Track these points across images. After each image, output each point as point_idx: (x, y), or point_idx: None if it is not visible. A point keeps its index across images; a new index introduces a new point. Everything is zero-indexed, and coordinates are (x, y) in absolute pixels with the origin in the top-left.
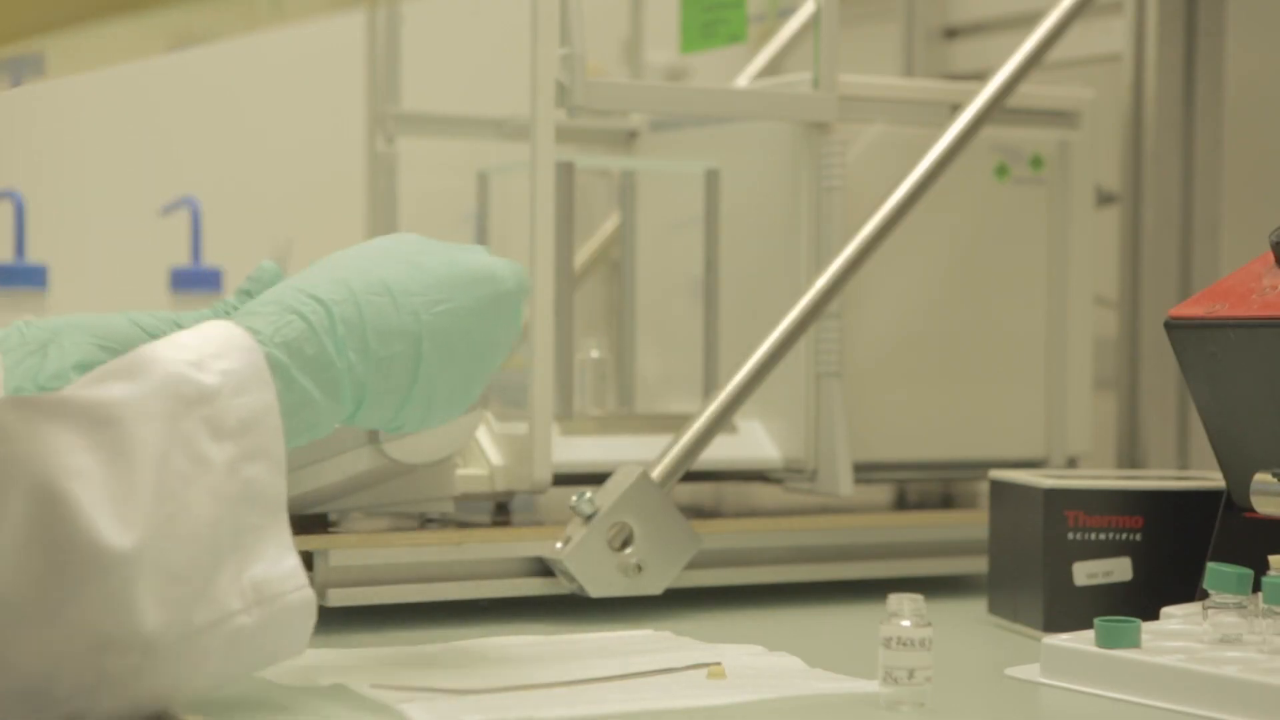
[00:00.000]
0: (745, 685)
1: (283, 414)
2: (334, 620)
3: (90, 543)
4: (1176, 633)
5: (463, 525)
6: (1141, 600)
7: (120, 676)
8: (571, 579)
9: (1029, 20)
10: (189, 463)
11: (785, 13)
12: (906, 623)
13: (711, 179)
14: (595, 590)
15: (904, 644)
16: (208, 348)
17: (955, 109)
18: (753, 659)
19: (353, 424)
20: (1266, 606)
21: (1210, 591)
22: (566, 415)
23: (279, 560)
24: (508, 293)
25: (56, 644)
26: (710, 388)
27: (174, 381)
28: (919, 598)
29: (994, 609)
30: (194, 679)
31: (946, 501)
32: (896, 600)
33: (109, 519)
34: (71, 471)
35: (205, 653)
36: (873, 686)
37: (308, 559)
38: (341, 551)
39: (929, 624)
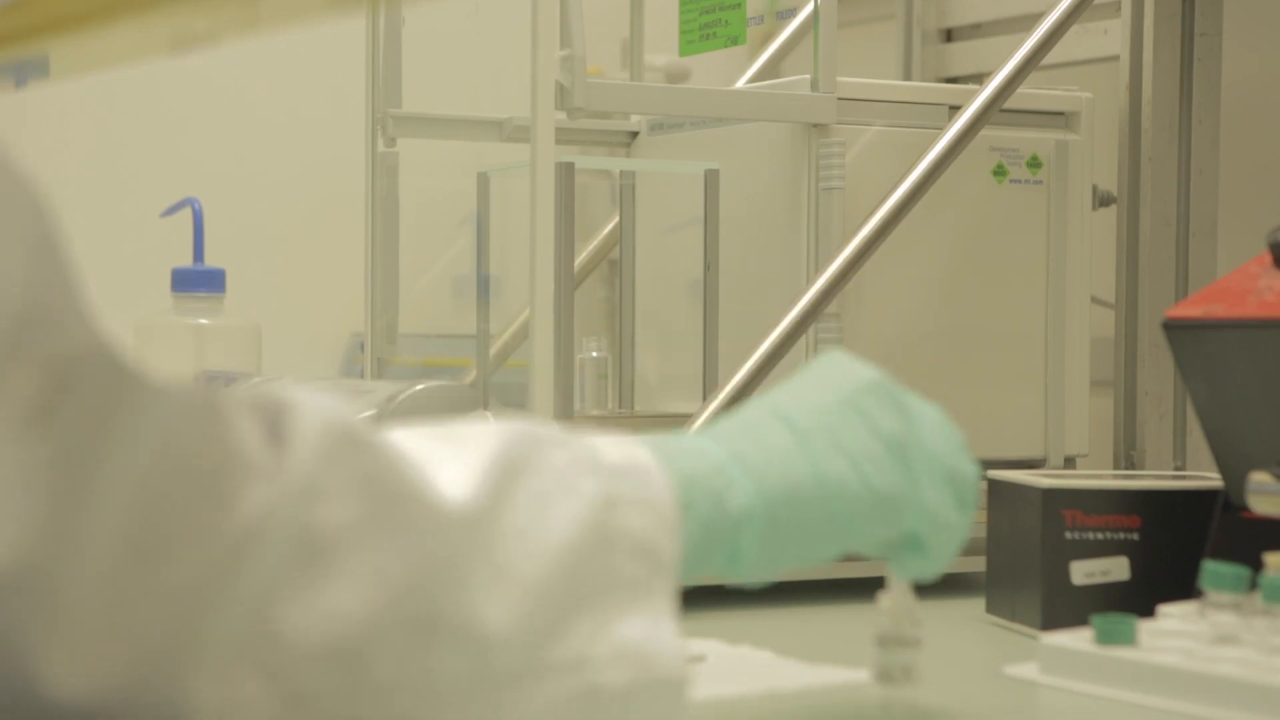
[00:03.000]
0: (730, 678)
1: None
2: None
3: (421, 492)
4: (1174, 631)
5: None
6: (1139, 599)
7: (447, 683)
8: None
9: (1027, 22)
10: (554, 485)
11: (784, 15)
12: (898, 620)
13: (711, 180)
14: None
15: (895, 642)
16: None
17: (953, 110)
18: (722, 649)
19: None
20: (1263, 605)
21: (1207, 590)
22: (566, 415)
23: (656, 625)
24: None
25: (372, 607)
26: (710, 388)
27: (532, 429)
28: (911, 595)
29: (992, 608)
30: None
31: None
32: (889, 599)
33: (449, 478)
34: (409, 443)
35: (553, 701)
36: (850, 675)
37: None
38: None
39: (921, 621)
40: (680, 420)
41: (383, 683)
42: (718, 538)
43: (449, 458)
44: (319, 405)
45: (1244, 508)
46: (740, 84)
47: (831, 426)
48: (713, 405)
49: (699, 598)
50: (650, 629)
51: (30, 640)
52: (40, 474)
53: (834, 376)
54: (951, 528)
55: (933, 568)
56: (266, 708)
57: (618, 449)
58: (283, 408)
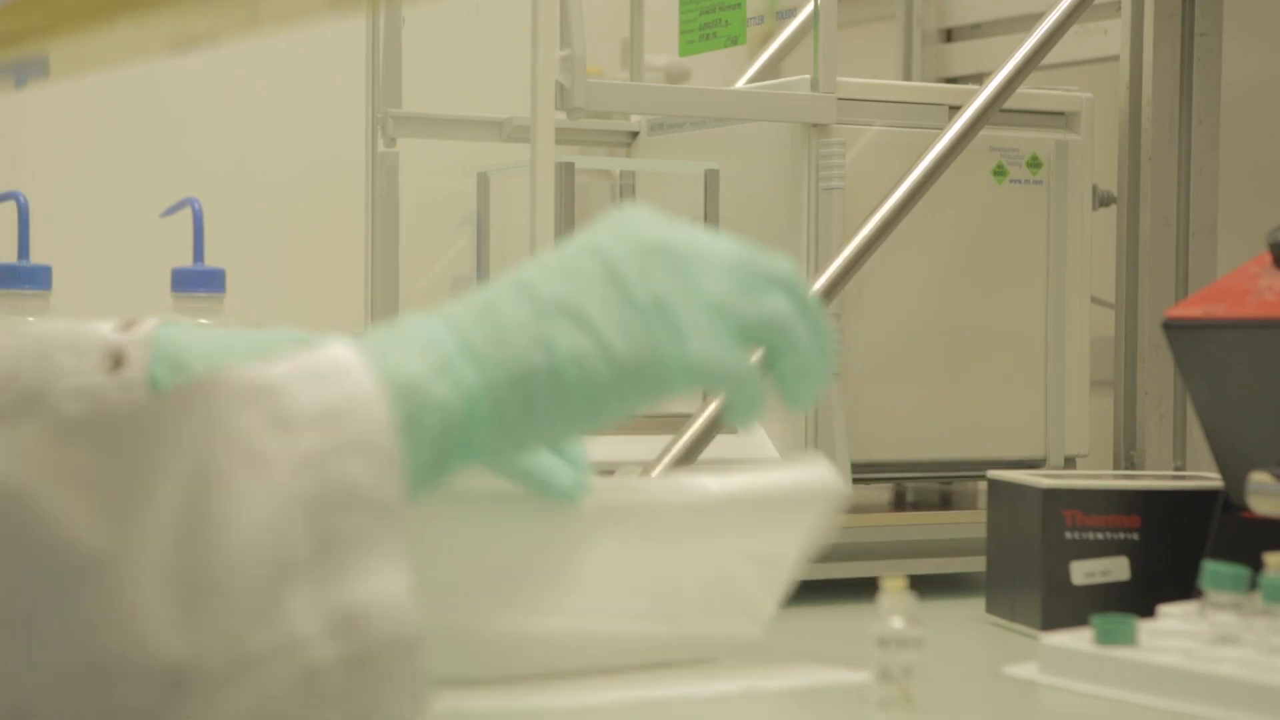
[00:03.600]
0: (736, 674)
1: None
2: None
3: (64, 545)
4: (1174, 631)
5: None
6: (1139, 599)
7: (137, 712)
8: None
9: (1027, 22)
10: (238, 461)
11: (784, 15)
12: (898, 621)
13: (711, 180)
14: None
15: (895, 642)
16: (280, 355)
17: (953, 110)
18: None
19: (499, 425)
20: (1263, 605)
21: (1207, 590)
22: None
23: (378, 581)
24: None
25: (31, 671)
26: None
27: (224, 380)
28: (910, 594)
29: (992, 608)
30: None
31: (945, 501)
32: (888, 598)
33: (92, 520)
34: (52, 477)
35: (265, 692)
36: (832, 674)
37: None
38: None
39: (921, 621)
40: (680, 420)
41: None
42: (449, 441)
43: (101, 483)
44: None
45: (1244, 508)
46: (740, 84)
47: (573, 297)
48: (713, 405)
49: None
50: (373, 587)
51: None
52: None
53: (603, 237)
54: (738, 377)
55: (739, 419)
56: None
57: (319, 391)
58: None
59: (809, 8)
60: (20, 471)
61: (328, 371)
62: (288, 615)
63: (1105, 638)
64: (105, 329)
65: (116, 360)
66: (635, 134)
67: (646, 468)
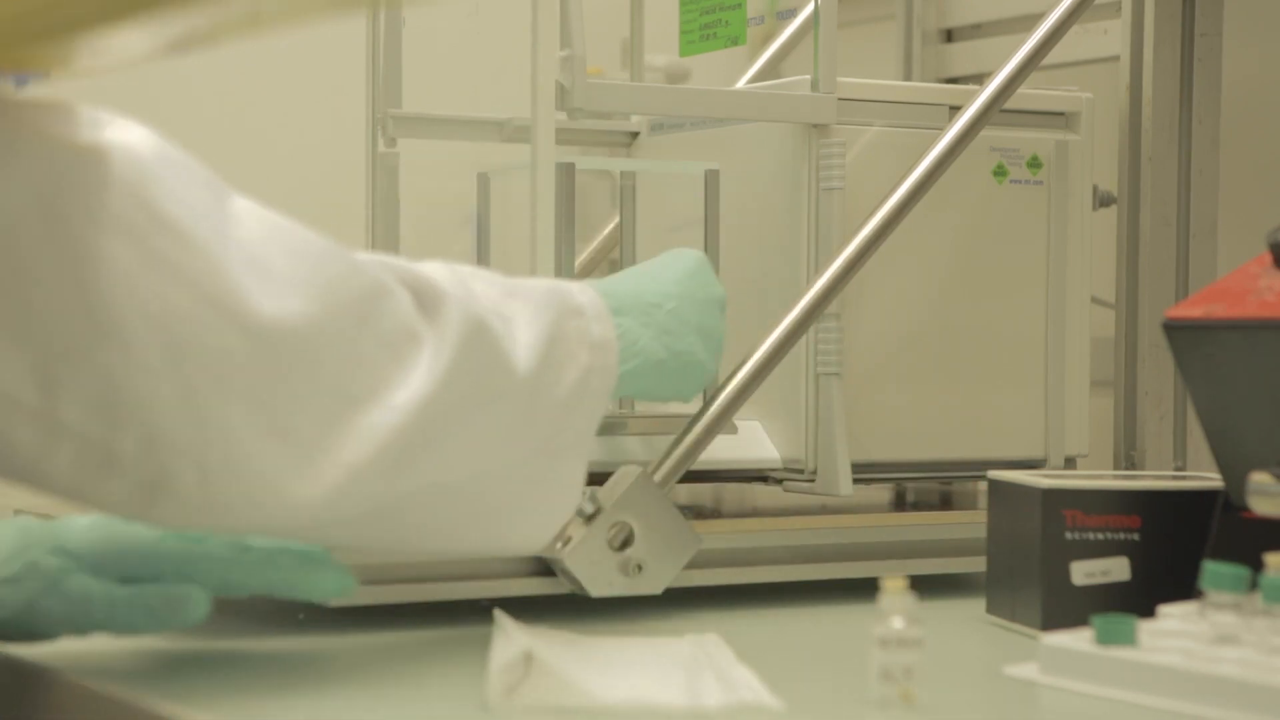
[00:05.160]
0: (734, 684)
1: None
2: (334, 620)
3: (507, 364)
4: (1174, 631)
5: None
6: (1139, 600)
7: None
8: (572, 579)
9: (1027, 22)
10: (566, 353)
11: (784, 15)
12: (898, 621)
13: (711, 180)
14: (595, 590)
15: (895, 642)
16: (567, 284)
17: (954, 110)
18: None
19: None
20: (1263, 605)
21: (1207, 590)
22: None
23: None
24: (698, 255)
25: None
26: (710, 388)
27: (559, 291)
28: (910, 594)
29: (992, 608)
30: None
31: (945, 501)
32: (888, 598)
33: (522, 352)
34: (495, 311)
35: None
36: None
37: None
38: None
39: (921, 621)
40: (680, 421)
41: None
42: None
43: (519, 327)
44: (454, 292)
45: (1244, 508)
46: (740, 84)
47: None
48: (713, 405)
49: (697, 598)
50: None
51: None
52: None
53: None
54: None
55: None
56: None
57: (600, 326)
58: (434, 293)
59: (809, 8)
60: None
61: (602, 312)
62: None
63: (1105, 638)
64: None
65: None
66: (635, 134)
67: (646, 467)
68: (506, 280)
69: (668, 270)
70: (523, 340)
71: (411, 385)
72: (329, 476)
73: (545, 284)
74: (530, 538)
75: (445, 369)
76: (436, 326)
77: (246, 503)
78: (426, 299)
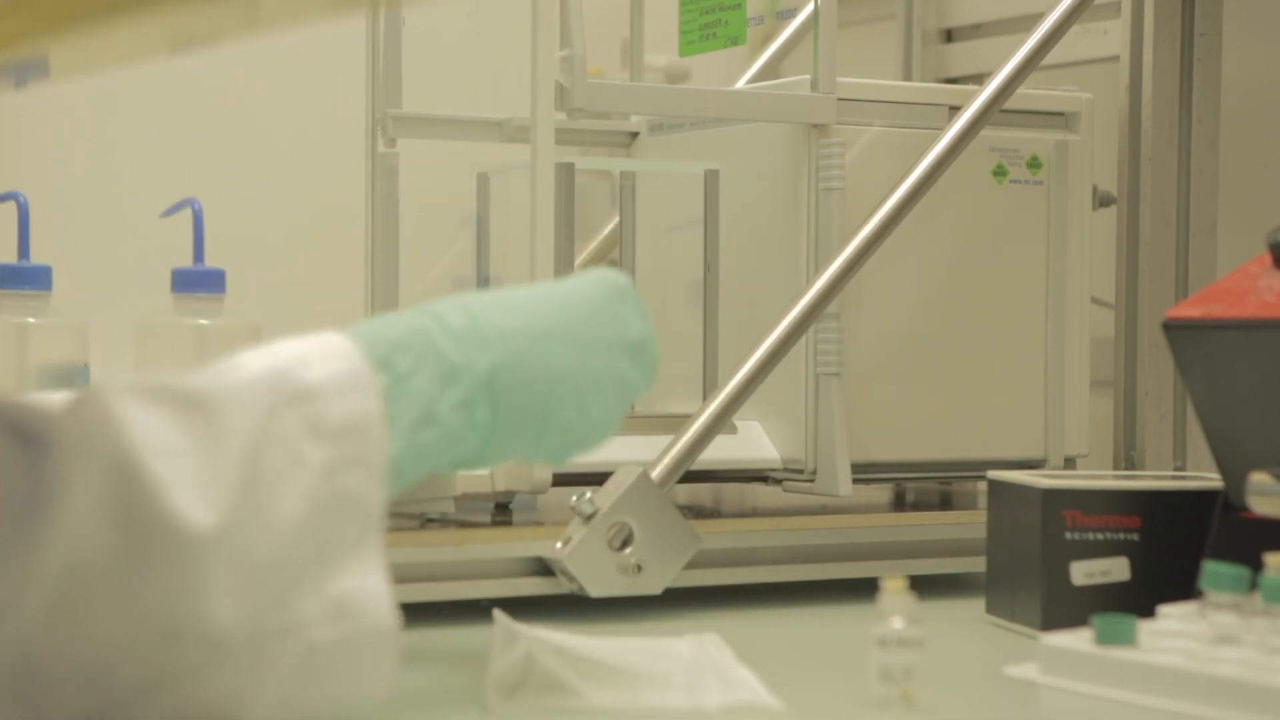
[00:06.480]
0: (734, 684)
1: (396, 422)
2: None
3: (169, 522)
4: (1173, 632)
5: (463, 525)
6: (1139, 600)
7: (182, 674)
8: (572, 579)
9: (1027, 22)
10: (285, 460)
11: (784, 15)
12: (898, 621)
13: (711, 180)
14: (595, 590)
15: (895, 642)
16: (309, 349)
17: (953, 111)
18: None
19: (489, 453)
20: (1263, 605)
21: (1207, 590)
22: None
23: (365, 578)
24: (615, 284)
25: (123, 628)
26: (710, 388)
27: (275, 376)
28: (910, 594)
29: (992, 608)
30: (259, 692)
31: (945, 501)
32: (888, 598)
33: (191, 499)
34: (156, 449)
35: (274, 664)
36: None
37: None
38: None
39: (921, 621)
40: (680, 421)
41: (129, 688)
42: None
43: (201, 457)
44: (72, 419)
45: (1244, 508)
46: (740, 84)
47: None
48: (713, 405)
49: (697, 598)
50: (360, 583)
51: None
52: None
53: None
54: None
55: None
56: None
57: (348, 403)
58: (38, 421)
59: (809, 8)
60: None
61: (354, 382)
62: (297, 601)
63: (1105, 638)
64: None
65: None
66: (635, 134)
67: (647, 468)
68: (196, 385)
69: (562, 294)
70: (202, 478)
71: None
72: None
73: (259, 370)
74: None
75: (65, 535)
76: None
77: None
78: (34, 441)
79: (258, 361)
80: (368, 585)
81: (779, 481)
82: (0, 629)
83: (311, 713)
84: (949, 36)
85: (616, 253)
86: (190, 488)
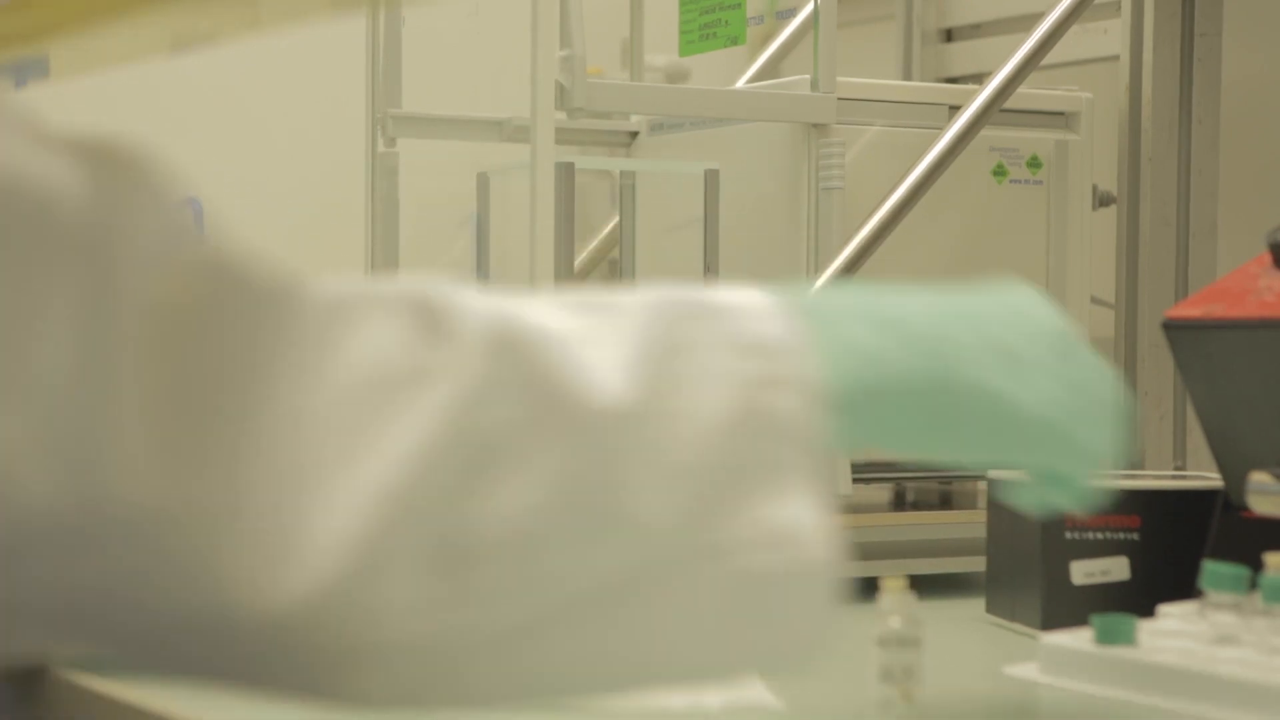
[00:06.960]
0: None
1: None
2: None
3: (579, 395)
4: (1173, 631)
5: None
6: (1139, 599)
7: (615, 570)
8: None
9: (1027, 22)
10: (696, 366)
11: (784, 15)
12: (898, 621)
13: (711, 180)
14: None
15: (895, 642)
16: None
17: (953, 110)
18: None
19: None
20: (1263, 605)
21: (1207, 590)
22: None
23: (803, 510)
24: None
25: (542, 500)
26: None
27: (674, 294)
28: (910, 594)
29: (991, 608)
30: (687, 624)
31: (945, 501)
32: (888, 598)
33: (597, 380)
34: (557, 333)
35: (709, 591)
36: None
37: None
38: None
39: (921, 621)
40: None
41: (553, 575)
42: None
43: (602, 343)
44: (476, 305)
45: (1244, 508)
46: (740, 84)
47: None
48: None
49: None
50: (797, 512)
51: (211, 566)
52: (185, 400)
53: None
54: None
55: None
56: (449, 606)
57: (771, 323)
58: (440, 307)
59: (809, 8)
60: None
61: (769, 309)
62: (730, 520)
63: (1105, 638)
64: None
65: None
66: (635, 134)
67: None
68: (588, 297)
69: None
70: (605, 359)
71: (405, 434)
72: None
73: (651, 296)
74: (729, 660)
75: (455, 405)
76: (444, 352)
77: None
78: (431, 320)
79: (646, 293)
80: (805, 517)
81: None
82: (416, 501)
83: (734, 658)
84: (949, 36)
85: (616, 253)
86: (594, 369)
